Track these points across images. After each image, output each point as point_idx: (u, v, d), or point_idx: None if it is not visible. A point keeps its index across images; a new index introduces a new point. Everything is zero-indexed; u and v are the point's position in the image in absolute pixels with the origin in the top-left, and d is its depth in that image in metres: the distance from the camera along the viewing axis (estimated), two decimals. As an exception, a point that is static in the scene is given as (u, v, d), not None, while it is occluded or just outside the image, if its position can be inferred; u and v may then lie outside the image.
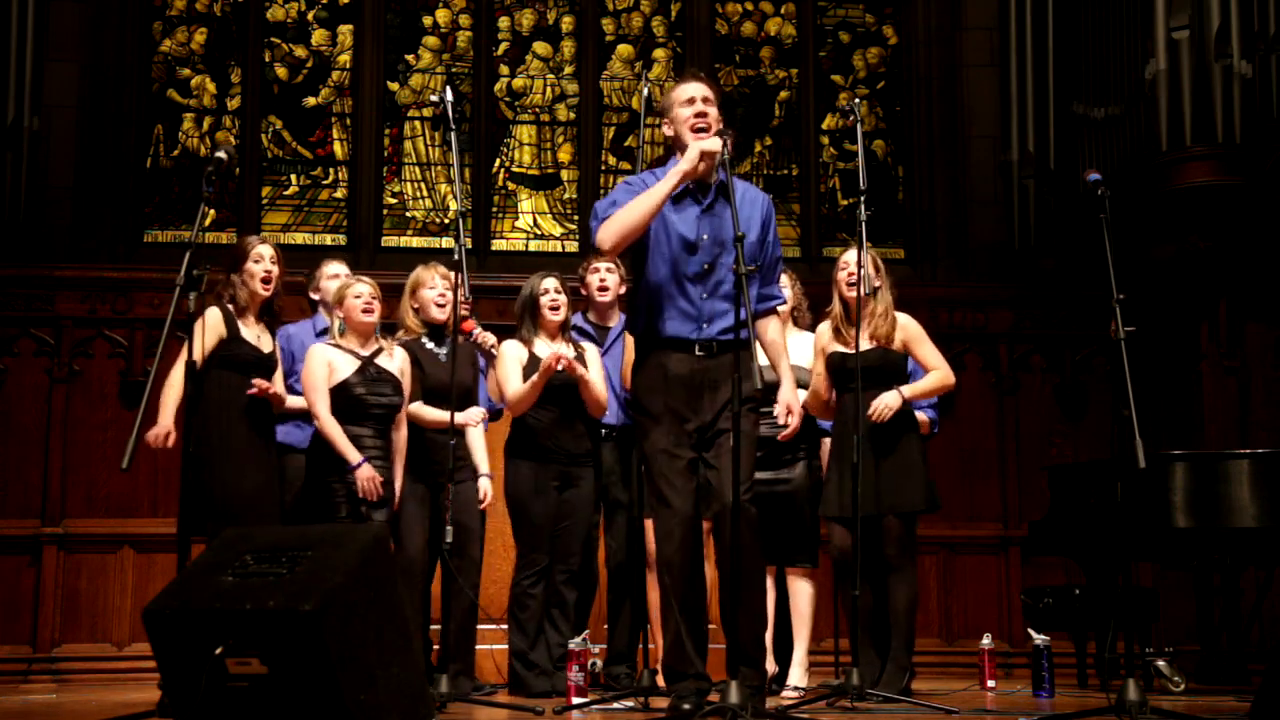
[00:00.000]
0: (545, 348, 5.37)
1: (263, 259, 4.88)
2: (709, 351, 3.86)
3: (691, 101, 3.94)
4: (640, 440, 3.97)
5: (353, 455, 4.80)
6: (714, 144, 3.82)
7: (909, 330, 5.07)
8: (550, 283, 5.43)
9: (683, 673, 3.82)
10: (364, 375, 4.89)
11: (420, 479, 5.09)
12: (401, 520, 5.05)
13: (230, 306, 4.83)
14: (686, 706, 3.68)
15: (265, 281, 4.86)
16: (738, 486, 3.72)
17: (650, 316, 3.90)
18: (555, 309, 5.39)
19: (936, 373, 5.05)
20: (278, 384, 4.92)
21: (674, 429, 3.84)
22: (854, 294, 4.94)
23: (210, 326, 4.70)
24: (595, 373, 5.37)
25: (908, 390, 4.95)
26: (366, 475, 4.78)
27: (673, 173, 3.85)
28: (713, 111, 3.94)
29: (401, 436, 5.05)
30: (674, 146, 4.03)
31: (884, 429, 4.91)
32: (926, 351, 5.07)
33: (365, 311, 4.93)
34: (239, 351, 4.77)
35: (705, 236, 3.88)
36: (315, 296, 5.53)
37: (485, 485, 5.30)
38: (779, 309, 4.18)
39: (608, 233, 3.85)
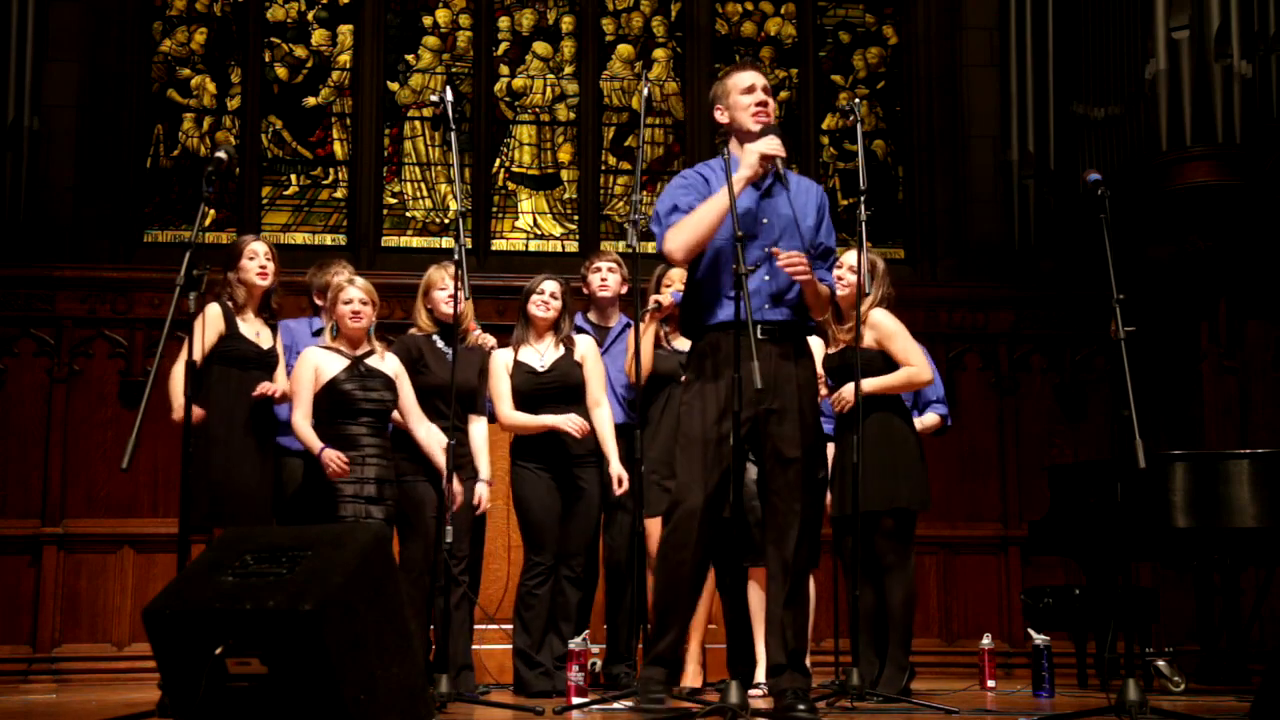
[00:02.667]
0: (532, 353, 5.36)
1: (257, 255, 4.93)
2: (771, 336, 3.80)
3: (752, 90, 3.89)
4: (681, 423, 3.86)
5: (314, 444, 4.80)
6: (773, 145, 3.77)
7: (880, 329, 4.99)
8: (548, 284, 5.41)
9: (661, 658, 3.79)
10: (353, 373, 4.90)
11: (425, 479, 5.10)
12: (405, 520, 5.06)
13: (229, 304, 4.86)
14: (658, 694, 3.68)
15: (261, 275, 4.90)
16: (739, 487, 3.72)
17: (707, 302, 3.84)
18: (544, 307, 5.36)
19: (906, 369, 4.97)
20: (280, 380, 4.95)
21: (724, 417, 3.74)
22: (843, 293, 4.95)
23: (210, 322, 4.75)
24: (593, 364, 5.38)
25: (869, 383, 4.87)
26: (332, 457, 4.75)
27: (738, 179, 3.77)
28: (772, 101, 3.92)
29: (424, 433, 5.05)
30: (729, 133, 3.97)
31: (877, 428, 4.89)
32: (898, 347, 4.98)
33: (353, 318, 4.94)
34: (238, 347, 4.81)
35: (765, 220, 3.85)
36: (320, 302, 5.48)
37: (482, 490, 5.28)
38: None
39: (677, 244, 3.79)
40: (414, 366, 5.15)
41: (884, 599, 4.96)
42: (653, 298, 5.19)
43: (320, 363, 4.90)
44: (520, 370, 5.33)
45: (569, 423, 5.22)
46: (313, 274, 5.50)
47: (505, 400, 5.32)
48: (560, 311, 5.41)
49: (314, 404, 4.86)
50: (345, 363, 4.92)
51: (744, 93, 3.91)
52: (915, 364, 5.00)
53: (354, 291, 4.96)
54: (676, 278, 5.37)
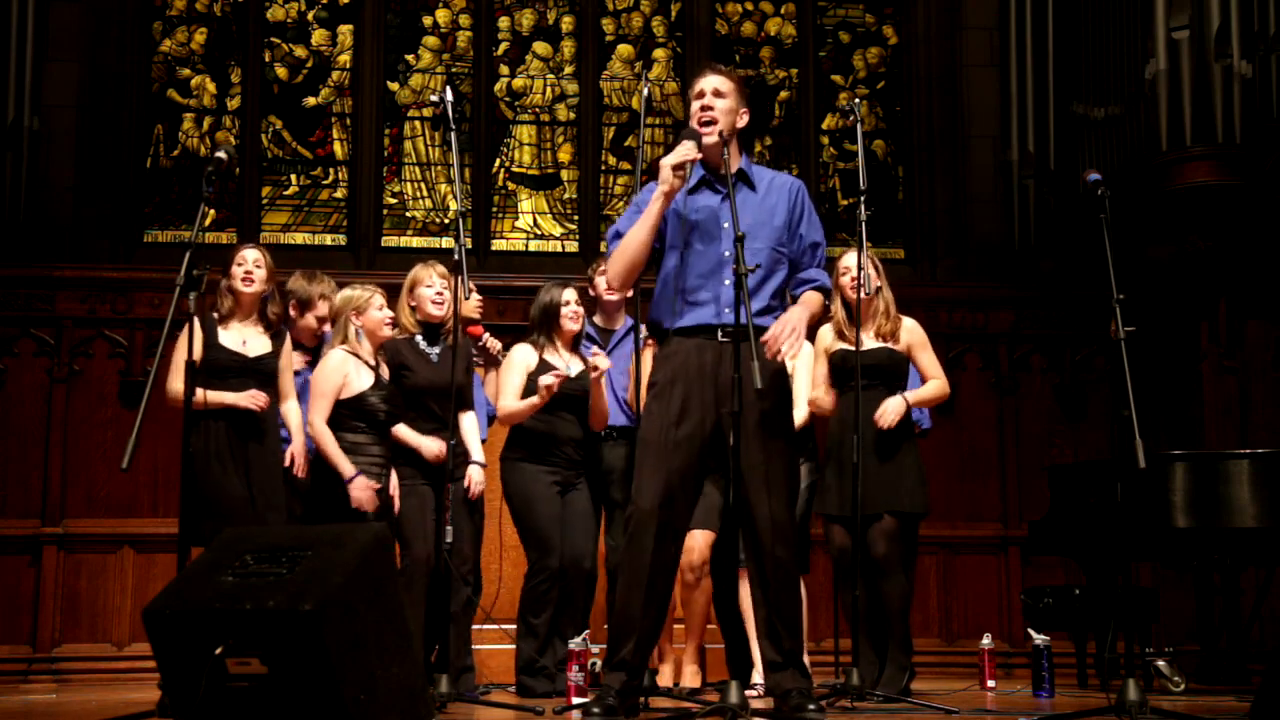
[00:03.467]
0: (557, 359, 5.37)
1: (245, 262, 4.88)
2: (734, 339, 3.75)
3: (700, 95, 3.86)
4: (641, 427, 3.88)
5: (347, 468, 4.81)
6: (680, 152, 3.72)
7: (915, 335, 5.14)
8: (570, 294, 5.45)
9: (623, 663, 3.77)
10: (378, 386, 4.92)
11: (425, 480, 5.09)
12: (407, 522, 5.06)
13: (214, 314, 4.84)
14: (610, 701, 3.67)
15: (245, 282, 4.86)
16: (736, 488, 3.73)
17: (673, 305, 3.84)
18: (575, 319, 5.42)
19: (936, 383, 5.15)
20: (287, 386, 4.93)
21: (682, 421, 3.76)
22: (854, 295, 4.95)
23: (188, 336, 4.71)
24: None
25: (912, 396, 5.01)
26: (362, 487, 4.79)
27: (654, 198, 3.77)
28: (720, 103, 3.83)
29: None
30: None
31: (892, 432, 4.93)
32: (928, 360, 5.15)
33: (389, 326, 4.98)
34: (216, 358, 4.76)
35: (725, 225, 3.82)
36: (294, 314, 5.32)
37: (475, 472, 5.21)
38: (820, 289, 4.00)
39: (613, 274, 3.90)
40: (397, 370, 5.13)
41: (880, 600, 4.98)
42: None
43: (351, 371, 4.90)
44: (547, 371, 5.30)
45: (552, 380, 5.18)
46: (298, 282, 5.36)
47: (510, 389, 5.30)
48: (583, 320, 5.48)
49: (335, 409, 4.87)
50: (372, 375, 4.94)
51: (694, 99, 3.90)
52: (943, 380, 5.18)
53: (381, 299, 5.00)
54: None
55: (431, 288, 5.17)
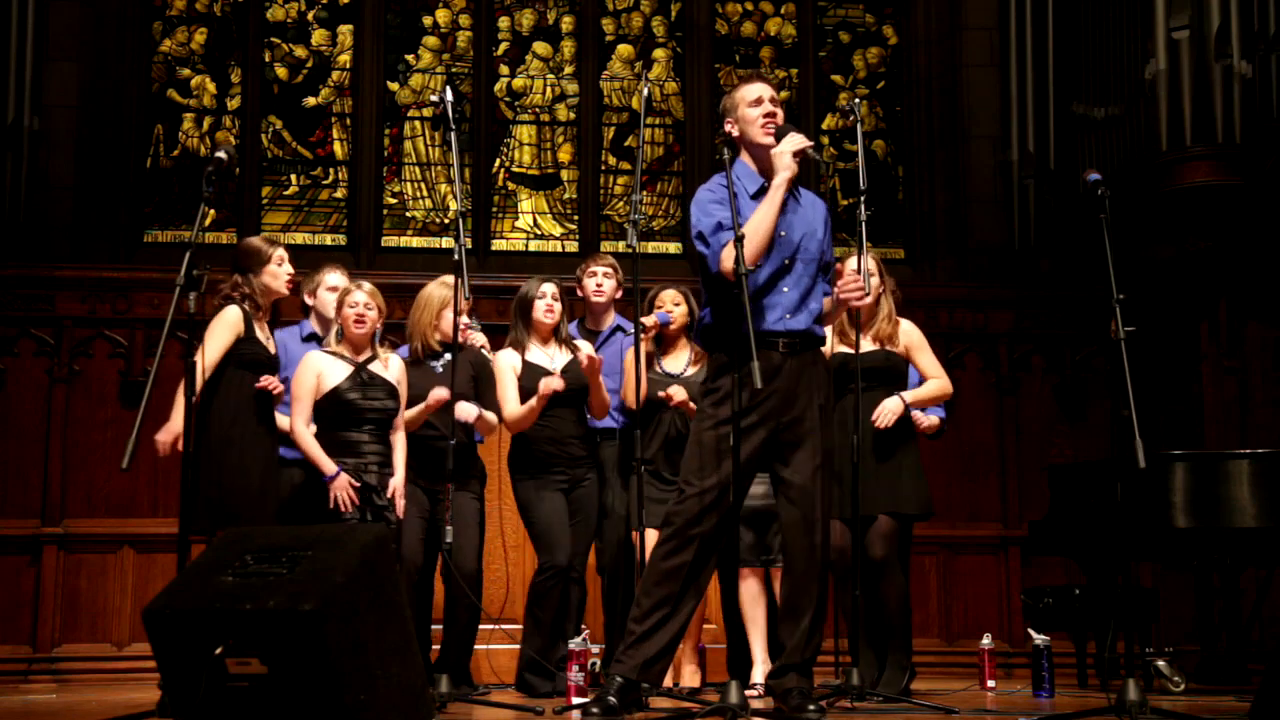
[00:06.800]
0: (539, 354, 5.35)
1: (284, 261, 4.90)
2: (792, 348, 3.83)
3: (759, 102, 3.94)
4: (696, 426, 3.93)
5: (328, 466, 4.77)
6: (800, 140, 3.86)
7: (912, 337, 5.16)
8: (548, 287, 5.39)
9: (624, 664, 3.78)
10: (356, 380, 4.86)
11: (415, 481, 5.08)
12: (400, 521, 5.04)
13: (247, 307, 4.82)
14: (612, 700, 3.69)
15: (289, 284, 4.92)
16: (739, 490, 3.73)
17: (730, 315, 3.83)
18: (549, 313, 5.35)
19: (937, 381, 5.15)
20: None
21: (729, 425, 3.78)
22: (867, 300, 4.96)
23: (230, 324, 4.72)
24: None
25: (909, 395, 5.01)
26: (341, 485, 4.75)
27: (777, 185, 3.83)
28: (779, 111, 3.97)
29: (399, 441, 5.00)
30: (738, 144, 4.01)
31: (882, 431, 4.94)
32: (926, 360, 5.16)
33: (357, 322, 4.87)
34: (254, 351, 4.77)
35: (783, 233, 3.87)
36: (310, 301, 5.41)
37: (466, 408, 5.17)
38: None
39: (753, 254, 3.77)
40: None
41: (879, 600, 4.98)
42: (640, 320, 5.15)
43: (323, 369, 4.85)
44: (532, 372, 5.30)
45: (552, 383, 5.16)
46: (309, 274, 5.46)
47: (511, 401, 5.28)
48: (562, 314, 5.40)
49: (316, 411, 4.84)
50: (348, 369, 4.87)
51: (752, 105, 3.96)
52: (944, 378, 5.17)
53: (360, 295, 4.90)
54: (668, 299, 5.37)
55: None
